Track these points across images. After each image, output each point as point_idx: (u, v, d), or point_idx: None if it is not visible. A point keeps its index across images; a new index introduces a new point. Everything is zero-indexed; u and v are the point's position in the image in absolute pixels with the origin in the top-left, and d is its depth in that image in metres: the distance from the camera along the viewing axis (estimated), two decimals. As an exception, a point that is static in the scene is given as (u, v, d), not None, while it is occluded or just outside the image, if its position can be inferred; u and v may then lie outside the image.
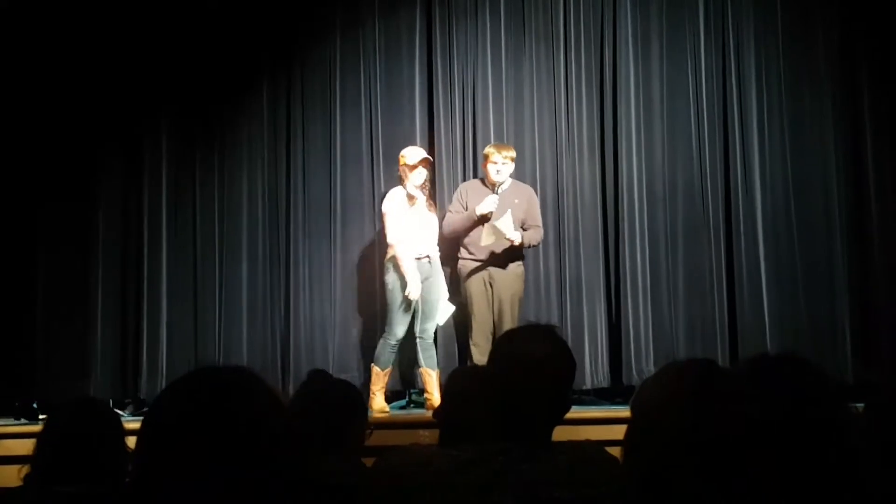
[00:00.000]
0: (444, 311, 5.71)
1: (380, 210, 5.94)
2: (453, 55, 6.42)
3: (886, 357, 5.85)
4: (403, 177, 5.77)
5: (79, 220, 6.44)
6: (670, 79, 6.32)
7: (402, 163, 5.76)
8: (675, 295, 6.18)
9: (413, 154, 5.78)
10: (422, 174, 5.75)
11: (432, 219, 5.85)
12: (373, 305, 6.22)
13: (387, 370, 5.72)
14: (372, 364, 5.75)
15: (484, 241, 5.58)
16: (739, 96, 6.27)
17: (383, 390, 5.72)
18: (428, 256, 5.74)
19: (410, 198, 5.72)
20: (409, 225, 5.70)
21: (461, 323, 6.00)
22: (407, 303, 5.63)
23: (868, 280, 6.07)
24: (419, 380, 5.87)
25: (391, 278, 5.68)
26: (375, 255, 6.18)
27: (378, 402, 5.65)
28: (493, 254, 5.67)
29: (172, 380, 1.22)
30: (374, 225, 6.22)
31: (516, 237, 5.59)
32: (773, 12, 6.29)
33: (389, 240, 5.71)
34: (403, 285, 5.62)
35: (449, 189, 6.28)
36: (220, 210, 6.49)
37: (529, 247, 5.83)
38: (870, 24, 6.18)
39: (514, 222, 5.61)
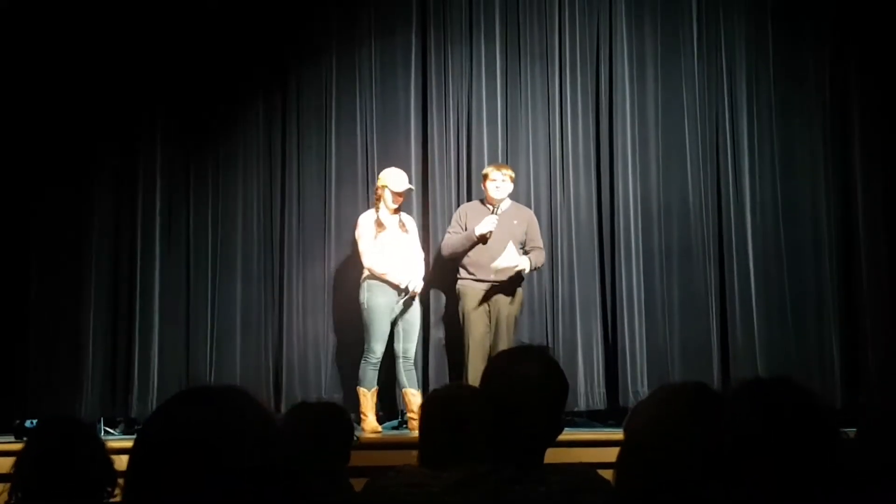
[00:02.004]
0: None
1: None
2: (448, 76, 6.44)
3: (875, 381, 5.87)
4: (380, 198, 5.81)
5: (71, 236, 6.41)
6: (665, 101, 6.35)
7: (381, 184, 5.81)
8: (669, 316, 6.18)
9: (397, 180, 5.81)
10: (397, 199, 5.81)
11: (406, 238, 5.87)
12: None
13: (373, 390, 5.72)
14: (357, 387, 5.74)
15: (494, 275, 5.61)
16: (732, 119, 6.31)
17: (373, 410, 5.71)
18: (409, 281, 5.75)
19: (380, 224, 5.76)
20: (385, 246, 5.74)
21: (453, 342, 6.00)
22: (384, 320, 5.67)
23: (857, 304, 6.09)
24: (400, 401, 5.86)
25: (366, 297, 5.72)
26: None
27: (370, 423, 5.64)
28: (493, 274, 5.68)
29: (164, 399, 1.22)
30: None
31: (523, 262, 5.64)
32: (764, 38, 6.35)
33: (365, 263, 5.75)
34: (380, 305, 5.66)
35: (442, 210, 6.28)
36: (214, 227, 6.48)
37: (536, 269, 5.85)
38: (859, 51, 6.23)
39: (514, 245, 5.64)
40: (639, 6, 6.41)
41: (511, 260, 5.59)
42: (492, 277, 5.68)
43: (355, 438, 2.83)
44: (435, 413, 2.48)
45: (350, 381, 6.21)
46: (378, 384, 5.77)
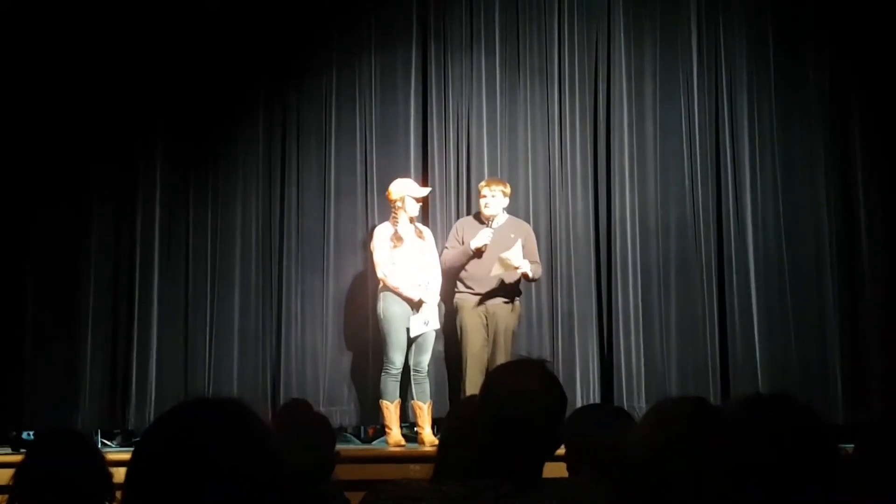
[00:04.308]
0: (416, 325, 5.66)
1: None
2: (448, 90, 6.46)
3: (876, 398, 5.87)
4: (399, 209, 5.77)
5: (69, 247, 6.41)
6: (664, 116, 6.37)
7: (398, 196, 5.77)
8: (667, 331, 6.19)
9: (413, 186, 5.82)
10: (417, 205, 5.80)
11: (424, 245, 5.85)
12: (364, 337, 6.21)
13: (395, 402, 5.67)
14: (380, 400, 5.71)
15: (494, 271, 5.60)
16: (732, 136, 6.33)
17: (398, 423, 5.67)
18: (428, 283, 5.74)
19: (398, 239, 5.73)
20: (403, 257, 5.71)
21: (452, 355, 5.99)
22: (401, 330, 5.63)
23: (858, 321, 6.10)
24: (411, 413, 5.84)
25: (383, 309, 5.68)
26: (368, 286, 6.17)
27: (394, 437, 5.60)
28: (491, 287, 5.70)
29: (162, 412, 1.22)
30: (367, 257, 6.21)
31: (525, 266, 5.64)
32: (765, 54, 6.37)
33: (379, 275, 5.74)
34: (396, 315, 5.63)
35: (442, 223, 6.29)
36: (213, 239, 6.49)
37: (533, 280, 5.86)
38: (860, 67, 6.26)
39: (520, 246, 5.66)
40: (638, 22, 6.44)
41: (515, 257, 5.58)
42: (487, 289, 5.68)
43: (336, 452, 2.80)
44: (451, 428, 2.44)
45: (347, 393, 6.22)
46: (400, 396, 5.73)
